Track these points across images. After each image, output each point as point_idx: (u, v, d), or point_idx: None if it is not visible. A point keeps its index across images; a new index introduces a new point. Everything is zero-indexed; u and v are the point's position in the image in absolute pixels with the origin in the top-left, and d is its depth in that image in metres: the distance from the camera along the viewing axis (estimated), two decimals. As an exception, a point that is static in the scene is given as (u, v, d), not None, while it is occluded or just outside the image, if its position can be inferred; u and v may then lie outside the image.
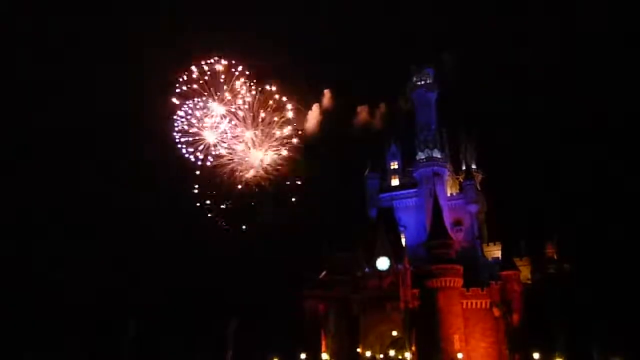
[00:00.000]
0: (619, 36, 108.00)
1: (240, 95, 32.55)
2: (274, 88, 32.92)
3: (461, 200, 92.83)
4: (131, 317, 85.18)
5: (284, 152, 33.72)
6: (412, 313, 76.82)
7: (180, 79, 33.98)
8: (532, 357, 71.11)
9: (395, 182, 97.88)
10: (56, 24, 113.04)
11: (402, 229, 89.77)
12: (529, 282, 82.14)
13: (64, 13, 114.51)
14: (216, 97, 32.85)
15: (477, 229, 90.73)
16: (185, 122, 33.89)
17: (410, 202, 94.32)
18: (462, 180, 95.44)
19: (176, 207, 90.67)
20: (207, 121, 32.87)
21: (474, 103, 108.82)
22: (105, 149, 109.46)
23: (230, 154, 33.41)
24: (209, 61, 33.89)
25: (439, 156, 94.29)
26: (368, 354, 77.32)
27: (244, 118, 32.68)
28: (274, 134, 33.13)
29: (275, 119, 32.90)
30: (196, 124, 33.53)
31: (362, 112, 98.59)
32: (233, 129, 32.72)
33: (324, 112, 71.85)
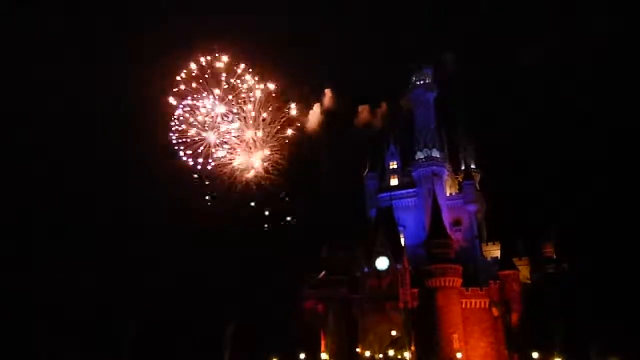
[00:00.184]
0: (620, 36, 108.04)
1: (241, 94, 32.60)
2: (275, 87, 32.98)
3: (460, 200, 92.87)
4: (131, 317, 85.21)
5: (284, 154, 33.75)
6: (412, 313, 76.97)
7: (179, 77, 33.88)
8: (531, 356, 71.32)
9: (394, 182, 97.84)
10: (55, 23, 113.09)
11: (401, 228, 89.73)
12: (528, 281, 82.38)
13: (62, 12, 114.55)
14: (216, 96, 32.86)
15: (476, 229, 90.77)
16: (184, 122, 33.87)
17: (410, 202, 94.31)
18: (461, 180, 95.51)
19: (175, 208, 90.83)
20: (208, 120, 32.87)
21: (474, 103, 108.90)
22: (105, 149, 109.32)
23: (231, 153, 33.45)
24: (208, 57, 33.83)
25: (438, 156, 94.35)
26: (367, 353, 77.43)
27: (244, 117, 32.74)
28: (275, 133, 33.16)
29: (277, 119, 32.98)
30: (195, 124, 33.57)
31: (364, 111, 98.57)
32: (234, 128, 32.79)
33: (324, 112, 72.06)
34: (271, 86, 33.49)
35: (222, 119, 33.01)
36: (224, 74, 32.87)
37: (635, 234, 78.31)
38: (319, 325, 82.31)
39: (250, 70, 33.35)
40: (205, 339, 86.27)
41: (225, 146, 33.08)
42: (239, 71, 33.15)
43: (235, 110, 32.02)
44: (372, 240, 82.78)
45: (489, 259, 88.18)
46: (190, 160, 34.03)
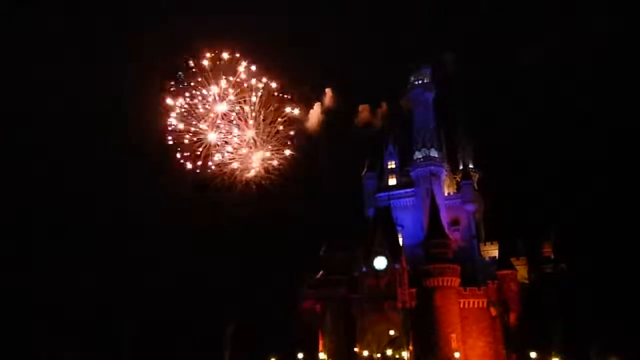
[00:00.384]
0: (619, 36, 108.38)
1: (241, 93, 32.69)
2: (281, 84, 33.12)
3: (458, 199, 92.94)
4: (130, 317, 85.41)
5: (287, 152, 33.81)
6: (410, 312, 77.02)
7: (178, 75, 33.92)
8: (529, 356, 71.48)
9: (392, 181, 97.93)
10: (55, 23, 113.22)
11: (399, 228, 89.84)
12: (526, 281, 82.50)
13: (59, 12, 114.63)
14: (216, 95, 33.00)
15: (474, 229, 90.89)
16: (184, 122, 33.96)
17: (408, 202, 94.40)
18: (459, 180, 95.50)
19: (174, 208, 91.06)
20: (208, 120, 33.04)
21: (473, 103, 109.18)
22: (104, 149, 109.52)
23: (232, 152, 33.58)
24: (207, 55, 33.92)
25: (436, 156, 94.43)
26: (365, 353, 77.55)
27: (245, 117, 32.89)
28: (276, 133, 33.29)
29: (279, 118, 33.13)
30: (195, 123, 33.72)
31: (364, 111, 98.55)
32: (235, 128, 32.93)
33: (325, 111, 72.20)
34: (273, 85, 33.63)
35: (222, 118, 33.19)
36: (224, 73, 33.05)
37: (633, 234, 78.69)
38: (318, 325, 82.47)
39: (251, 69, 33.46)
40: (205, 338, 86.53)
41: (226, 145, 33.28)
42: (240, 69, 33.27)
43: (236, 109, 32.22)
44: (371, 240, 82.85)
45: (487, 258, 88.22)
46: (189, 163, 34.07)
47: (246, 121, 33.09)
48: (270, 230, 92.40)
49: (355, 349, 78.06)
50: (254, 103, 33.30)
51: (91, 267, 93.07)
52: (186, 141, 34.02)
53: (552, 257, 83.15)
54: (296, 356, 78.88)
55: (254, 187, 34.26)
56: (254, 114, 33.09)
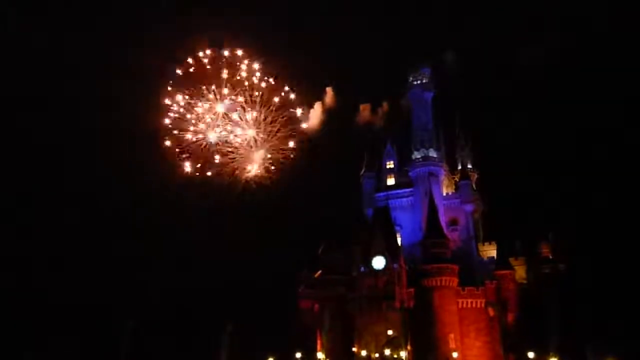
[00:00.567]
0: (619, 37, 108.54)
1: (242, 92, 32.42)
2: (281, 83, 32.90)
3: (457, 199, 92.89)
4: (128, 317, 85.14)
5: (291, 144, 33.55)
6: (408, 312, 76.99)
7: (178, 73, 33.64)
8: (527, 356, 71.44)
9: (391, 181, 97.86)
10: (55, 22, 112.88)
11: (398, 228, 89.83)
12: (524, 281, 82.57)
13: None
14: (217, 94, 32.74)
15: (472, 229, 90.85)
16: (184, 121, 33.67)
17: (406, 202, 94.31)
18: (457, 180, 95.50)
19: (173, 208, 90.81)
20: (208, 119, 32.76)
21: (472, 102, 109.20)
22: (104, 149, 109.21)
23: (232, 152, 33.32)
24: (207, 52, 33.66)
25: (435, 156, 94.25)
26: (364, 353, 77.39)
27: (245, 115, 32.63)
28: (277, 132, 33.03)
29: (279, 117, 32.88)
30: (195, 122, 33.44)
31: (365, 110, 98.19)
32: (235, 126, 32.64)
33: (326, 111, 71.88)
34: (273, 83, 33.43)
35: (223, 117, 32.93)
36: (225, 72, 32.77)
37: (632, 235, 78.84)
38: (316, 325, 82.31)
39: (253, 67, 33.21)
40: (203, 338, 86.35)
41: (227, 145, 32.99)
42: (243, 67, 33.02)
43: (237, 109, 31.96)
44: (369, 239, 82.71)
45: (485, 258, 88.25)
46: (188, 164, 33.74)
47: (247, 120, 32.88)
48: (269, 229, 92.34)
49: (354, 349, 77.92)
50: (255, 102, 33.10)
51: (88, 268, 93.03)
52: (187, 140, 33.73)
53: (551, 257, 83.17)
54: (294, 356, 78.66)
55: (254, 186, 34.10)
56: (254, 113, 32.87)
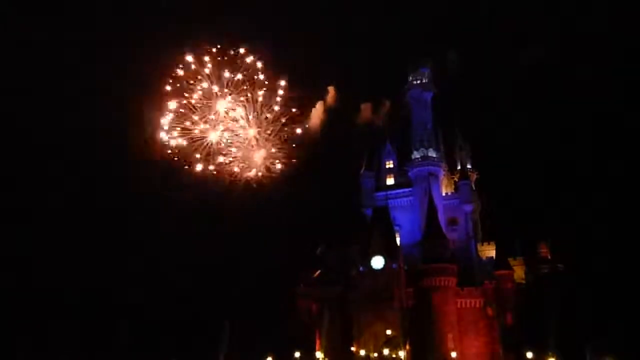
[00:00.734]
0: (618, 36, 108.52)
1: (243, 91, 32.31)
2: (282, 82, 32.67)
3: (456, 199, 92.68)
4: (125, 317, 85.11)
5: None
6: (407, 312, 77.02)
7: (178, 71, 33.40)
8: (526, 356, 71.54)
9: (390, 181, 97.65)
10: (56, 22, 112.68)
11: (397, 228, 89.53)
12: (523, 282, 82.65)
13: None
14: (218, 93, 32.58)
15: (471, 229, 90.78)
16: (184, 120, 33.51)
17: (405, 202, 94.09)
18: (457, 180, 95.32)
19: (172, 207, 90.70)
20: (210, 118, 32.62)
21: (472, 102, 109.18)
22: (104, 149, 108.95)
23: (233, 151, 33.20)
24: (208, 48, 33.48)
25: (434, 155, 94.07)
26: (362, 352, 77.37)
27: (246, 114, 32.45)
28: (278, 131, 32.89)
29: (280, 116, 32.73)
30: (197, 121, 33.29)
31: (366, 109, 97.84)
32: (236, 126, 32.50)
33: (327, 110, 71.73)
34: (275, 82, 33.33)
35: (225, 116, 32.81)
36: (225, 71, 32.66)
37: (631, 235, 78.92)
38: (314, 324, 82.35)
39: (257, 65, 33.06)
40: (201, 337, 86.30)
41: (228, 144, 32.84)
42: (247, 62, 32.88)
43: (238, 108, 31.83)
44: (368, 239, 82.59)
45: (484, 258, 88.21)
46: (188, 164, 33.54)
47: (248, 119, 32.74)
48: (268, 229, 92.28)
49: (352, 348, 77.87)
50: (256, 100, 32.96)
51: (86, 268, 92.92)
52: (186, 142, 33.51)
53: (549, 257, 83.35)
54: (293, 355, 78.64)
55: (254, 186, 33.96)
56: (255, 112, 32.74)
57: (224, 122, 32.73)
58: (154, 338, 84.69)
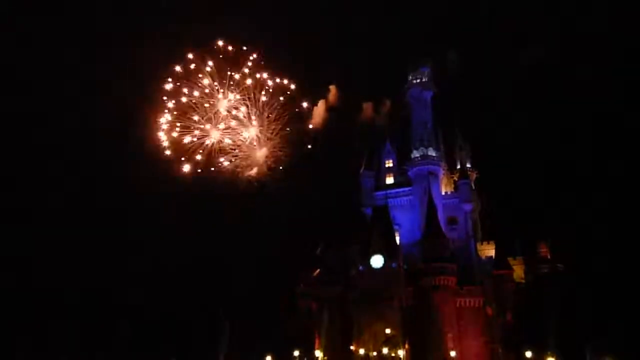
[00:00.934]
0: (618, 36, 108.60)
1: (245, 90, 32.32)
2: (285, 82, 32.73)
3: (456, 199, 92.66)
4: (125, 317, 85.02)
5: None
6: (406, 311, 77.02)
7: (177, 69, 33.26)
8: (525, 356, 71.49)
9: (390, 180, 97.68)
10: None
11: (396, 227, 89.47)
12: (523, 281, 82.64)
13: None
14: (219, 92, 32.59)
15: (471, 228, 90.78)
16: (185, 119, 33.41)
17: (405, 201, 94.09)
18: (456, 179, 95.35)
19: (172, 207, 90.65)
20: (211, 117, 32.60)
21: (471, 102, 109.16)
22: (104, 149, 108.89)
23: (235, 149, 33.18)
24: (210, 48, 33.51)
25: (434, 155, 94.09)
26: (362, 351, 77.36)
27: (248, 113, 32.49)
28: (279, 130, 32.91)
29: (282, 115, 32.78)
30: (199, 119, 33.27)
31: (367, 108, 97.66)
32: (238, 125, 32.50)
33: (329, 109, 71.65)
34: (278, 81, 33.35)
35: (227, 114, 32.81)
36: (228, 70, 32.69)
37: (631, 234, 78.96)
38: (314, 324, 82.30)
39: (260, 64, 33.14)
40: (201, 337, 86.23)
41: (227, 141, 32.83)
42: (248, 61, 32.93)
43: (241, 107, 31.89)
44: (368, 238, 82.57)
45: (484, 258, 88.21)
46: (187, 164, 33.39)
47: (250, 118, 32.76)
48: (268, 228, 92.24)
49: (352, 347, 77.87)
50: (258, 100, 32.98)
51: (85, 268, 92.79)
52: (186, 141, 33.44)
53: (549, 257, 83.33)
54: (292, 354, 78.68)
55: (255, 184, 33.98)
56: (257, 111, 32.76)
57: (226, 121, 32.85)
58: (154, 338, 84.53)
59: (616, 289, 70.76)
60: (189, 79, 33.09)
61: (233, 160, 33.38)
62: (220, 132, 33.05)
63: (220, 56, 32.96)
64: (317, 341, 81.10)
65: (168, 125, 33.89)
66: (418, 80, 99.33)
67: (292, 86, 33.89)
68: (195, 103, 33.07)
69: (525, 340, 72.64)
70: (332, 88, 75.30)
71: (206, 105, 33.03)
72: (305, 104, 34.09)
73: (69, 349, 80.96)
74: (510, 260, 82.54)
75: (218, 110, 32.85)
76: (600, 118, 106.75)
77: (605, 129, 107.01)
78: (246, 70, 33.14)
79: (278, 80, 33.76)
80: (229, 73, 32.91)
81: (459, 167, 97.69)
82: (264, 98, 33.00)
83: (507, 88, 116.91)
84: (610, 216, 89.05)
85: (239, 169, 33.34)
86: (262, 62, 33.67)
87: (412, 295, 78.68)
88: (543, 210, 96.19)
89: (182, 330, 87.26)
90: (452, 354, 75.00)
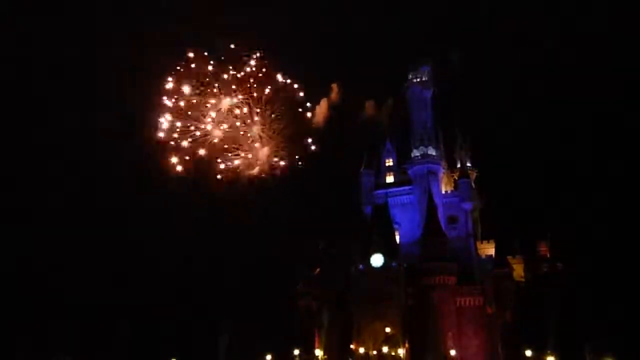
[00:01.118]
0: (618, 36, 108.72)
1: (247, 89, 32.29)
2: (288, 80, 32.68)
3: (456, 197, 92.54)
4: (125, 317, 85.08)
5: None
6: (406, 310, 77.15)
7: (178, 69, 33.29)
8: (525, 355, 71.57)
9: (390, 179, 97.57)
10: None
11: (396, 226, 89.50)
12: (522, 280, 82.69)
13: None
14: (221, 91, 32.58)
15: (471, 227, 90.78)
16: (185, 118, 33.39)
17: (405, 200, 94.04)
18: (457, 178, 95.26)
19: (171, 208, 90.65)
20: (213, 115, 32.57)
21: (472, 101, 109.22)
22: (105, 149, 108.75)
23: (237, 148, 33.15)
24: (210, 49, 33.48)
25: (434, 154, 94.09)
26: (362, 350, 77.45)
27: (250, 112, 32.46)
28: (282, 129, 32.85)
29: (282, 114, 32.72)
30: (199, 120, 33.28)
31: (369, 107, 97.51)
32: (239, 124, 32.48)
33: (331, 107, 71.64)
34: (280, 79, 33.28)
35: (228, 113, 32.79)
36: (229, 68, 32.66)
37: (630, 234, 79.09)
38: (314, 323, 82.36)
39: (263, 62, 33.05)
40: (201, 336, 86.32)
41: (228, 140, 32.82)
42: (251, 62, 32.87)
43: (242, 106, 31.84)
44: (368, 237, 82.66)
45: (483, 257, 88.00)
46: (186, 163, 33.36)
47: (252, 116, 32.75)
48: (267, 227, 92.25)
49: (352, 346, 77.96)
50: (260, 99, 32.96)
51: (85, 268, 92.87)
52: (186, 142, 33.36)
53: (549, 256, 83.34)
54: (292, 353, 78.76)
55: (256, 184, 33.96)
56: (259, 110, 32.73)
57: (227, 121, 32.84)
58: (154, 338, 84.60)
59: (616, 288, 70.89)
60: (190, 78, 33.02)
61: (234, 160, 33.34)
62: (221, 132, 33.04)
63: (221, 56, 32.96)
64: (317, 340, 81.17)
65: (168, 125, 33.80)
66: (418, 80, 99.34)
67: (295, 85, 33.93)
68: (195, 103, 33.05)
69: (524, 339, 72.74)
70: (334, 86, 75.36)
71: (207, 105, 33.02)
72: (308, 104, 34.14)
73: (69, 349, 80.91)
74: (510, 259, 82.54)
75: (219, 109, 32.84)
76: (600, 118, 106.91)
77: (605, 129, 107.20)
78: (247, 69, 33.09)
79: (280, 78, 33.71)
80: (230, 72, 32.86)
81: (459, 166, 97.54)
82: (265, 97, 33.00)
83: (507, 88, 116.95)
84: (610, 216, 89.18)
85: (239, 169, 33.39)
86: (264, 61, 33.63)
87: (412, 294, 78.74)
88: (543, 209, 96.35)
89: (182, 330, 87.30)
90: (452, 352, 75.09)
